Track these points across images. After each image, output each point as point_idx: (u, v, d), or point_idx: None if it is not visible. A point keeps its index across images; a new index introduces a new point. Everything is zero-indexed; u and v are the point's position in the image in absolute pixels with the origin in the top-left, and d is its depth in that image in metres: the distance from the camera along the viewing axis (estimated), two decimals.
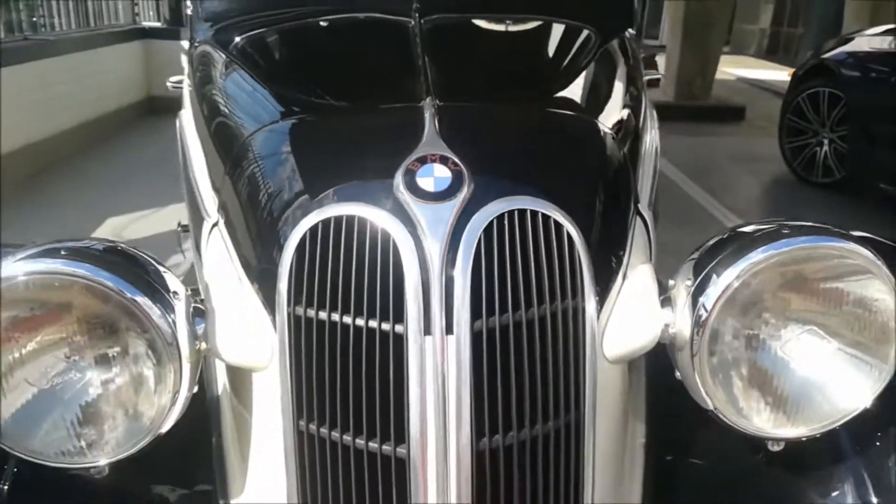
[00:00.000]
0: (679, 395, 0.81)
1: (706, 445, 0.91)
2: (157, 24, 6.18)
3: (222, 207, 0.92)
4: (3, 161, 3.93)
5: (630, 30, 1.86)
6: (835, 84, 4.32)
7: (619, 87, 1.35)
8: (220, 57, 1.55)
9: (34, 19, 4.75)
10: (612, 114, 1.17)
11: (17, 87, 4.15)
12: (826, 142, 4.48)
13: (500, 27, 1.68)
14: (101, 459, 0.73)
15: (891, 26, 4.26)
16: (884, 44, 4.04)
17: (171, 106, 6.12)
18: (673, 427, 0.91)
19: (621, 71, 1.47)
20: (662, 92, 7.35)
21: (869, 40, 4.26)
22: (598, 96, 1.24)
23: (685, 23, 6.64)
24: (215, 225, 0.92)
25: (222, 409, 0.91)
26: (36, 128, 4.36)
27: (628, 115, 1.21)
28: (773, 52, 11.64)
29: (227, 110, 1.22)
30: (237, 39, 1.59)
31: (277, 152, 0.92)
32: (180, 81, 1.98)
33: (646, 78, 1.94)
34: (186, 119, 1.46)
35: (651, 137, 1.30)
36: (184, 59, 2.01)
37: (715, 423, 0.79)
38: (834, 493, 0.88)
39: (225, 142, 1.05)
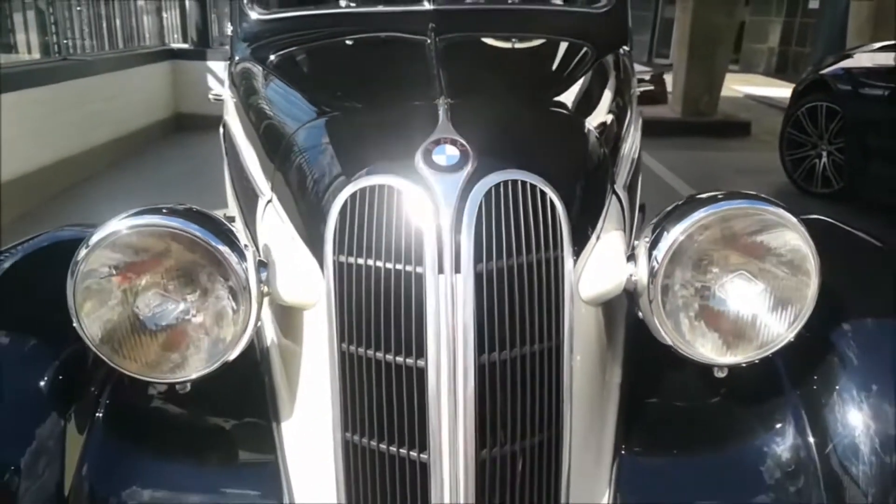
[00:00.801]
0: (649, 338, 1.01)
1: (669, 377, 1.10)
2: (185, 46, 6.50)
3: (276, 187, 1.13)
4: (44, 172, 4.21)
5: (624, 46, 2.06)
6: (832, 98, 4.51)
7: (607, 95, 1.56)
8: (258, 71, 1.78)
9: (66, 41, 5.05)
10: (598, 115, 1.38)
11: (57, 104, 4.44)
12: (824, 154, 4.66)
13: (506, 44, 1.90)
14: (187, 377, 0.94)
15: (886, 43, 4.45)
16: (878, 60, 4.24)
17: (196, 123, 6.46)
18: (643, 363, 1.11)
19: (611, 81, 1.67)
20: (670, 108, 7.57)
21: (865, 57, 4.46)
22: (587, 101, 1.45)
23: (691, 42, 6.86)
24: (269, 202, 1.13)
25: (273, 346, 1.12)
26: (74, 142, 4.64)
27: (612, 117, 1.42)
28: (781, 71, 11.81)
29: (271, 113, 1.44)
30: (272, 57, 1.83)
31: (319, 142, 1.13)
32: (221, 95, 2.21)
33: (640, 89, 2.16)
34: (233, 123, 1.69)
35: (633, 137, 1.51)
36: (225, 75, 2.25)
37: (674, 356, 0.99)
38: (777, 426, 1.07)
39: (273, 138, 1.27)
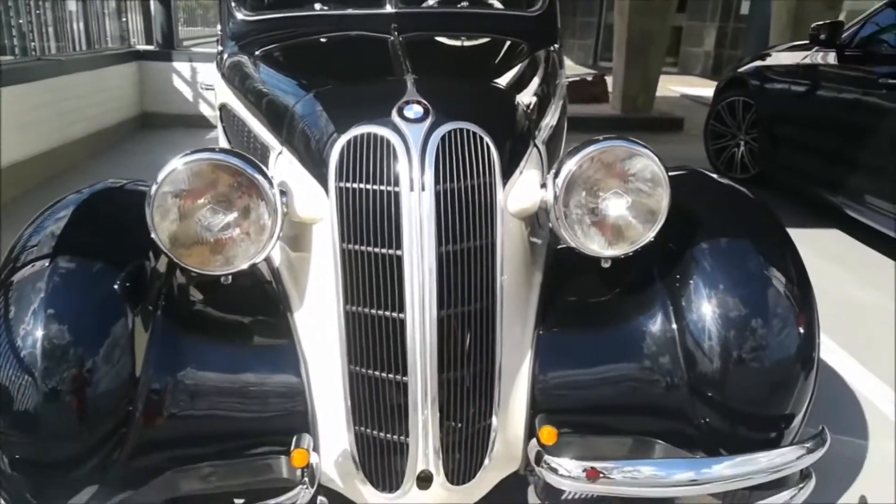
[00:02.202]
0: (558, 241, 1.43)
1: (573, 271, 1.52)
2: (150, 48, 6.76)
3: (285, 142, 1.52)
4: (21, 167, 4.46)
5: (555, 45, 2.49)
6: (747, 94, 5.07)
7: (535, 79, 1.98)
8: (248, 62, 2.16)
9: (32, 43, 5.24)
10: (528, 92, 1.81)
11: (32, 101, 4.69)
12: (742, 143, 5.21)
13: (456, 40, 2.31)
14: (230, 270, 1.32)
15: (795, 43, 5.01)
16: (786, 59, 4.78)
17: (161, 121, 6.84)
18: (555, 262, 1.54)
19: (540, 70, 2.10)
20: (611, 106, 8.11)
21: (776, 56, 5.00)
22: (519, 81, 1.87)
23: (628, 46, 7.42)
24: (280, 153, 1.52)
25: (286, 257, 1.51)
26: (49, 137, 4.89)
27: (539, 94, 1.85)
28: (717, 72, 12.52)
29: (270, 92, 1.82)
30: (258, 51, 2.21)
31: (316, 108, 1.51)
32: (212, 85, 2.57)
33: (568, 78, 2.61)
34: (233, 104, 2.06)
35: (555, 109, 1.94)
36: (214, 68, 2.61)
37: (575, 254, 1.40)
38: (650, 311, 1.48)
39: (277, 109, 1.65)
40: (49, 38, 5.53)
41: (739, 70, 5.27)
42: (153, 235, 1.29)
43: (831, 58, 4.18)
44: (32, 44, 5.14)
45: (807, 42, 4.46)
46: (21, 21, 5.08)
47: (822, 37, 4.14)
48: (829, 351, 2.81)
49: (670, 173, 1.66)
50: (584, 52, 15.82)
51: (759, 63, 5.08)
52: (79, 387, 1.26)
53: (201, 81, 3.20)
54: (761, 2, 7.95)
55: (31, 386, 1.24)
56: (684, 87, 10.73)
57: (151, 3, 6.70)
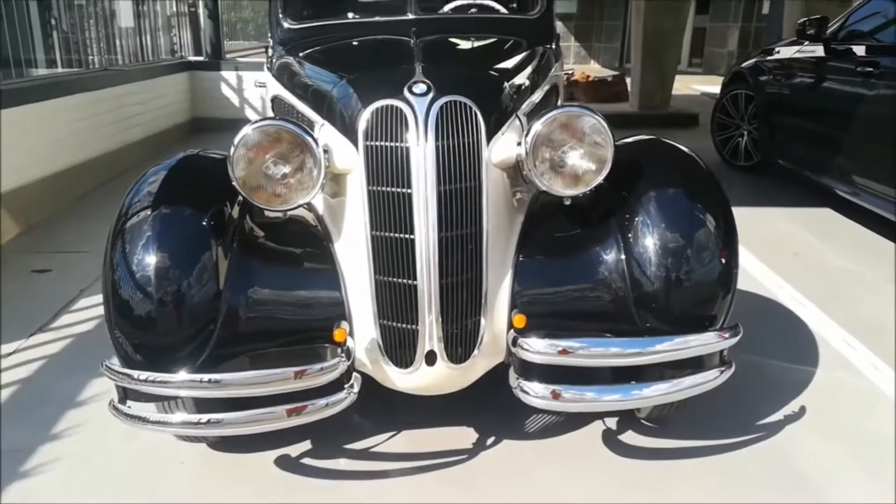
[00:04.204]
0: (532, 187, 1.89)
1: (546, 208, 1.97)
2: (200, 59, 7.39)
3: (326, 116, 2.00)
4: (90, 164, 5.06)
5: (550, 44, 2.94)
6: (748, 87, 5.43)
7: (528, 70, 2.44)
8: (294, 61, 2.66)
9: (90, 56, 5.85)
10: (518, 78, 2.26)
11: (99, 108, 5.29)
12: (745, 133, 5.57)
13: (465, 39, 2.79)
14: (287, 207, 1.80)
15: (792, 39, 5.35)
16: (781, 53, 5.14)
17: (210, 125, 7.54)
18: (532, 203, 1.99)
19: (534, 63, 2.55)
20: (630, 105, 8.49)
21: (776, 51, 5.36)
22: (512, 70, 2.33)
23: (644, 48, 7.82)
24: (322, 125, 2.01)
25: (326, 202, 2.00)
26: (112, 140, 5.49)
27: (528, 78, 2.31)
28: None
29: (313, 83, 2.31)
30: (302, 53, 2.70)
31: (349, 91, 1.98)
32: (264, 83, 3.09)
33: (564, 72, 3.07)
34: (283, 94, 2.56)
35: (542, 93, 2.39)
36: (265, 68, 3.14)
37: (545, 195, 1.86)
38: (604, 243, 1.91)
39: (319, 93, 2.14)
40: (113, 52, 6.16)
41: (741, 66, 5.64)
42: (233, 182, 1.77)
43: (819, 51, 4.54)
44: (97, 57, 5.76)
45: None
46: (85, 36, 5.71)
47: (810, 32, 4.50)
48: (797, 302, 3.20)
49: (631, 138, 2.12)
50: (611, 55, 16.17)
51: (758, 58, 5.45)
52: (180, 298, 1.73)
53: (255, 80, 3.77)
54: (779, 2, 8.24)
55: (147, 298, 1.72)
56: (707, 87, 11.02)
57: (201, 18, 7.33)
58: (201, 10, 7.36)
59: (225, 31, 7.66)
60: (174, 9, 7.47)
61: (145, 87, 6.11)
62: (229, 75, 7.18)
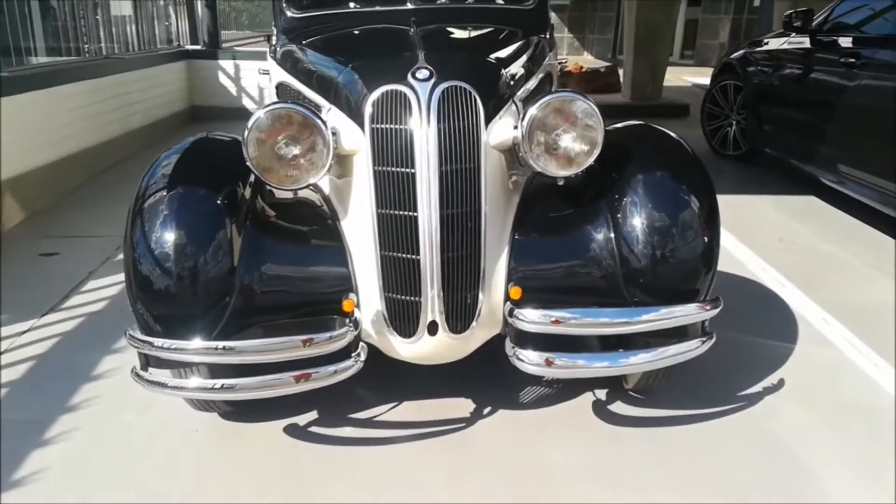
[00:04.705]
0: (528, 168, 2.01)
1: (540, 189, 2.09)
2: (198, 47, 7.45)
3: (333, 101, 2.11)
4: (93, 151, 5.15)
5: (544, 34, 3.05)
6: (736, 77, 5.56)
7: (523, 58, 2.55)
8: (297, 49, 2.76)
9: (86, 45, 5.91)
10: (514, 65, 2.37)
11: (101, 94, 5.37)
12: (734, 123, 5.70)
13: (462, 28, 2.89)
14: (297, 186, 1.91)
15: (780, 31, 5.48)
16: (768, 45, 5.27)
17: (207, 113, 7.64)
18: (527, 184, 2.11)
19: (528, 51, 2.66)
20: (623, 95, 8.62)
21: (764, 42, 5.48)
22: (508, 58, 2.44)
23: (636, 40, 7.95)
24: (329, 109, 2.12)
25: (333, 183, 2.11)
26: (111, 128, 5.56)
27: (524, 66, 2.42)
28: None
29: (318, 70, 2.42)
30: (305, 41, 2.80)
31: (355, 77, 2.09)
32: (268, 70, 3.20)
33: (558, 62, 3.18)
34: (288, 80, 2.66)
35: (536, 80, 2.51)
36: (269, 56, 3.24)
37: (539, 176, 1.98)
38: (595, 222, 2.03)
39: (325, 79, 2.25)
40: (111, 40, 6.23)
41: (730, 57, 5.76)
42: (248, 163, 1.88)
43: (805, 43, 4.66)
44: (97, 45, 5.83)
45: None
46: (85, 24, 5.77)
47: (797, 24, 4.62)
48: (779, 283, 3.34)
49: (621, 124, 2.24)
50: (604, 46, 16.28)
51: (746, 49, 5.57)
52: (196, 273, 1.84)
53: (259, 68, 3.87)
54: None
55: (166, 273, 1.83)
56: (698, 78, 11.16)
57: (198, 7, 7.39)
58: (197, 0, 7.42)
59: (219, 21, 7.72)
60: None
61: (144, 75, 6.18)
62: (227, 64, 7.26)
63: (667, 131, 2.26)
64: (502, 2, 3.29)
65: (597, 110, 1.92)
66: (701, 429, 2.23)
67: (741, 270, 3.51)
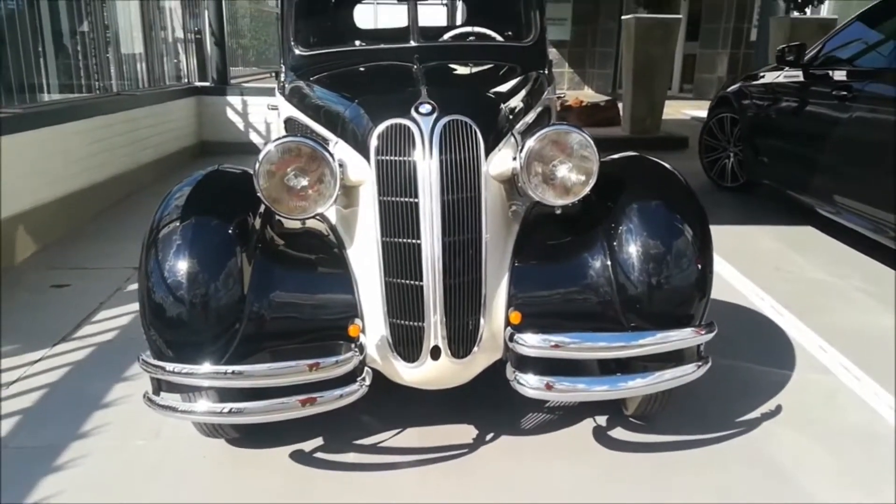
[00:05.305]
0: (526, 198, 2.08)
1: (537, 218, 2.17)
2: (206, 84, 7.63)
3: (340, 134, 2.20)
4: (104, 185, 5.26)
5: (543, 70, 3.16)
6: (732, 110, 5.67)
7: (522, 93, 2.65)
8: (305, 86, 2.87)
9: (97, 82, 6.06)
10: (513, 100, 2.47)
11: (114, 130, 5.50)
12: (731, 155, 5.80)
13: (464, 65, 3.00)
14: (306, 216, 1.99)
15: (773, 65, 5.60)
16: (764, 78, 5.39)
17: (216, 148, 7.78)
18: (527, 213, 2.19)
19: (527, 86, 2.77)
20: (622, 129, 8.76)
21: (759, 76, 5.61)
22: (508, 93, 2.54)
23: (635, 75, 8.11)
24: (337, 143, 2.20)
25: (339, 212, 2.18)
26: (123, 162, 5.69)
27: (522, 100, 2.52)
28: None
29: (325, 105, 2.52)
30: (313, 77, 2.91)
31: (361, 111, 2.18)
32: (276, 105, 3.31)
33: (557, 96, 3.29)
34: (297, 115, 2.76)
35: (535, 114, 2.60)
36: (277, 92, 3.35)
37: (537, 205, 2.05)
38: (593, 249, 2.10)
39: (332, 114, 2.35)
40: (123, 77, 6.40)
41: (726, 90, 5.89)
42: (258, 193, 1.96)
43: (799, 76, 4.78)
44: (109, 82, 5.99)
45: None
46: (97, 62, 5.92)
47: (789, 58, 4.74)
48: (776, 312, 3.39)
49: (616, 155, 2.32)
50: (604, 81, 16.51)
51: (740, 84, 5.70)
52: (208, 300, 1.90)
53: (268, 103, 3.99)
54: (765, 29, 8.56)
55: (178, 300, 1.89)
56: (697, 111, 11.31)
57: (207, 45, 7.59)
58: (207, 37, 7.61)
59: (228, 58, 7.92)
60: (179, 35, 7.73)
61: (155, 111, 6.33)
62: (235, 100, 7.42)
63: (660, 162, 2.34)
64: (502, 39, 3.41)
65: (591, 142, 2.00)
66: (701, 454, 2.27)
67: (739, 299, 3.56)
